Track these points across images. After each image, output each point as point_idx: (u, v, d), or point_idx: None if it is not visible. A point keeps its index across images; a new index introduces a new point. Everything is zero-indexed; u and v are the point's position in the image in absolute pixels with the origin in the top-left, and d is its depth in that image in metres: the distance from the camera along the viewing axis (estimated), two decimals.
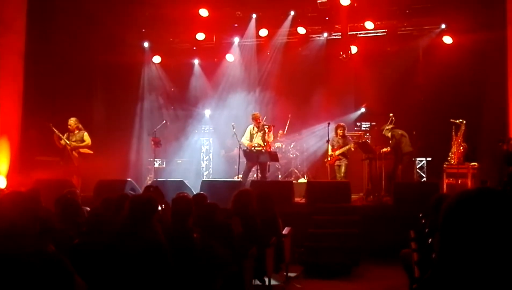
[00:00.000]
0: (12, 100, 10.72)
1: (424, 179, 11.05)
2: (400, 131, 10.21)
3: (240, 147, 10.54)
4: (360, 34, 12.53)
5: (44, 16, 10.35)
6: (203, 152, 13.64)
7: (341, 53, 12.24)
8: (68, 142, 10.37)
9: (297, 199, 9.51)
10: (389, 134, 10.26)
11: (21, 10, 10.64)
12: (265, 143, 10.62)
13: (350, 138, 11.10)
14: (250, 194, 5.83)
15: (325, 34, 12.75)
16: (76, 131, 10.50)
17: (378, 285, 6.88)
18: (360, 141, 11.13)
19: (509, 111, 10.08)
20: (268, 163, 10.60)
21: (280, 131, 12.37)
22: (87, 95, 12.20)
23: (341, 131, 10.75)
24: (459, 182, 9.74)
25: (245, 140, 10.77)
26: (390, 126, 10.25)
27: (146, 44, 13.10)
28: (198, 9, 12.39)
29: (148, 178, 12.24)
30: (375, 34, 12.40)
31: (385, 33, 12.38)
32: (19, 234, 2.37)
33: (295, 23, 12.80)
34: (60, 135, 10.29)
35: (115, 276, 3.06)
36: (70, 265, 2.41)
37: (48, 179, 9.34)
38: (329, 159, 10.69)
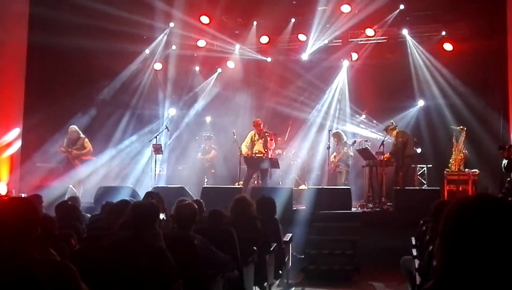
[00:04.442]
0: (14, 107, 10.74)
1: (425, 185, 11.03)
2: (401, 138, 10.17)
3: (241, 154, 10.54)
4: (360, 41, 12.56)
5: (46, 21, 10.39)
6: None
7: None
8: (70, 151, 10.41)
9: (297, 206, 9.50)
10: (394, 140, 10.24)
11: (23, 15, 10.68)
12: (266, 150, 10.61)
13: (349, 144, 11.08)
14: (247, 200, 5.81)
15: (326, 41, 12.76)
16: (77, 138, 10.53)
17: None
18: (361, 147, 11.12)
19: (509, 117, 10.09)
20: (269, 169, 10.60)
21: (280, 138, 12.35)
22: (88, 100, 12.22)
23: (335, 138, 10.80)
24: (460, 188, 9.73)
25: (244, 147, 10.75)
26: (395, 131, 10.23)
27: (147, 51, 13.12)
28: (199, 16, 12.43)
29: (149, 184, 12.22)
30: (375, 41, 12.41)
31: (385, 40, 12.41)
32: (20, 241, 2.36)
33: (295, 30, 12.83)
34: (66, 150, 10.40)
35: (117, 283, 3.05)
36: (76, 272, 2.40)
37: (49, 185, 9.36)
38: (332, 166, 10.73)
